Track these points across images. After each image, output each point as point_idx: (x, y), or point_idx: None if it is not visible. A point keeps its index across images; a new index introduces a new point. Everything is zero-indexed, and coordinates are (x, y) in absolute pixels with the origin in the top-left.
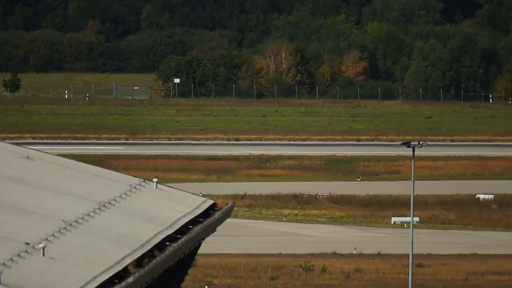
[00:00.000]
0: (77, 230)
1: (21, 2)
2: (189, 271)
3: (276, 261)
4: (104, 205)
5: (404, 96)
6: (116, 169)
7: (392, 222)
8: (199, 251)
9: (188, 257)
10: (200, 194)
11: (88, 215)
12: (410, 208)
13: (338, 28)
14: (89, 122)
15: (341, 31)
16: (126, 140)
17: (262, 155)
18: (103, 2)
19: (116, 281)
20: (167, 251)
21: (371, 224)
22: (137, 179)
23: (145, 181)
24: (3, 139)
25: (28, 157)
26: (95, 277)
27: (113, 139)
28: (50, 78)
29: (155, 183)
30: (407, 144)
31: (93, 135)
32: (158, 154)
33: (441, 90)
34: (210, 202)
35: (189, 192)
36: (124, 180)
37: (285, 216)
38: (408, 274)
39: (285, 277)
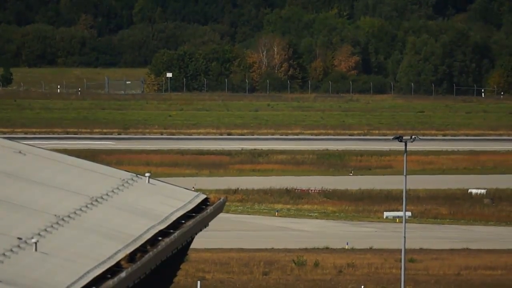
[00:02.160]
0: (70, 225)
1: None
2: (181, 266)
3: (268, 256)
4: (97, 200)
5: (396, 90)
6: (108, 163)
7: (384, 217)
8: (192, 246)
9: (181, 252)
10: (193, 189)
11: (81, 209)
12: (402, 202)
13: (330, 23)
14: (82, 117)
15: (334, 25)
16: (118, 134)
17: (255, 149)
18: None
19: (109, 276)
20: (159, 246)
21: (363, 218)
22: (129, 173)
23: (137, 175)
24: None
25: (20, 152)
26: (88, 272)
27: (105, 133)
28: (42, 73)
29: (147, 177)
30: (399, 138)
31: (86, 129)
32: (151, 148)
33: (433, 84)
34: (203, 196)
35: (182, 187)
36: (116, 174)
37: (277, 211)
38: (401, 269)
39: (278, 272)
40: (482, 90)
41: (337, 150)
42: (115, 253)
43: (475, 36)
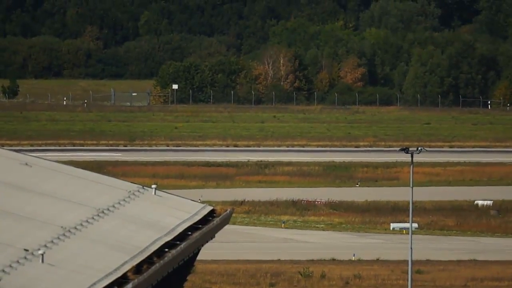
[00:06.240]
0: (76, 237)
1: (19, 9)
2: (188, 278)
3: (275, 267)
4: (103, 212)
5: (402, 102)
6: (114, 175)
7: (391, 228)
8: (198, 257)
9: (187, 264)
10: (199, 201)
11: (87, 221)
12: (409, 214)
13: (336, 34)
14: (88, 129)
15: (339, 37)
16: (124, 146)
17: (261, 161)
18: (102, 8)
19: (115, 287)
20: (166, 258)
21: (370, 230)
22: (135, 185)
23: (144, 187)
24: (2, 145)
25: (26, 164)
26: (94, 283)
27: (111, 145)
28: (48, 85)
29: (154, 189)
30: (405, 150)
31: (92, 141)
32: (157, 160)
33: (439, 96)
34: (209, 208)
35: (188, 199)
36: (123, 186)
37: (283, 222)
38: (407, 280)
39: (284, 284)
40: (488, 102)
41: (343, 161)
42: (122, 265)
43: (481, 48)
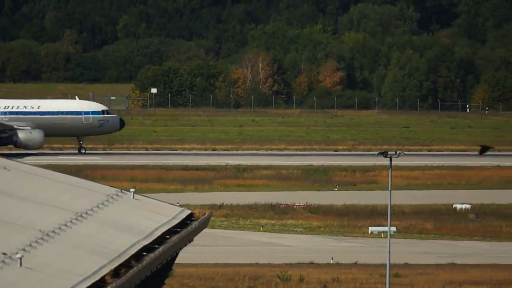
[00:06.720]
0: (54, 240)
1: None
2: (166, 281)
3: (253, 271)
4: (81, 215)
5: (381, 106)
6: (93, 179)
7: (369, 232)
8: (176, 261)
9: (165, 267)
10: (177, 204)
11: (65, 225)
12: (387, 217)
13: (315, 38)
14: None
15: (318, 41)
16: (103, 150)
17: (239, 165)
18: (80, 12)
19: None
20: (144, 261)
21: (348, 234)
22: (114, 189)
23: (122, 191)
24: None
25: (5, 168)
26: (72, 287)
27: (90, 149)
28: (27, 88)
29: (132, 193)
30: (384, 153)
31: (70, 145)
32: (135, 164)
33: (418, 100)
34: (187, 212)
35: (166, 202)
36: (101, 190)
37: (262, 226)
38: (386, 284)
39: (262, 287)
40: (467, 106)
41: (322, 165)
42: (100, 269)
43: (460, 52)
